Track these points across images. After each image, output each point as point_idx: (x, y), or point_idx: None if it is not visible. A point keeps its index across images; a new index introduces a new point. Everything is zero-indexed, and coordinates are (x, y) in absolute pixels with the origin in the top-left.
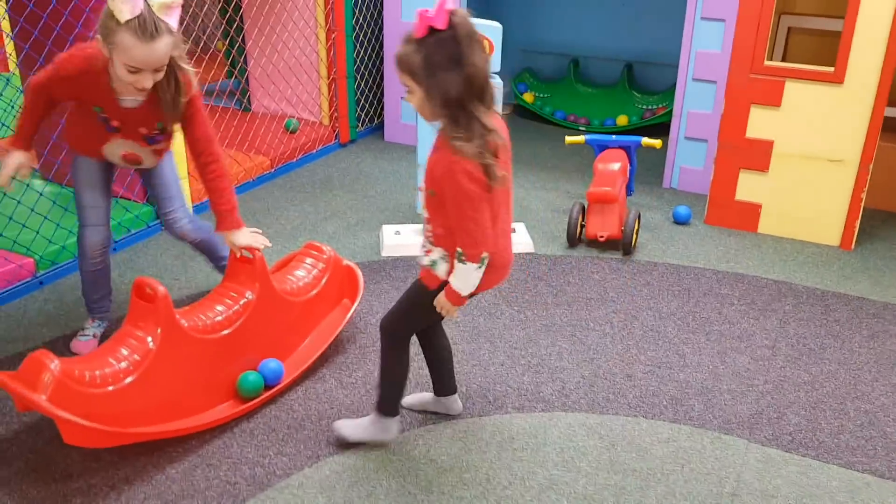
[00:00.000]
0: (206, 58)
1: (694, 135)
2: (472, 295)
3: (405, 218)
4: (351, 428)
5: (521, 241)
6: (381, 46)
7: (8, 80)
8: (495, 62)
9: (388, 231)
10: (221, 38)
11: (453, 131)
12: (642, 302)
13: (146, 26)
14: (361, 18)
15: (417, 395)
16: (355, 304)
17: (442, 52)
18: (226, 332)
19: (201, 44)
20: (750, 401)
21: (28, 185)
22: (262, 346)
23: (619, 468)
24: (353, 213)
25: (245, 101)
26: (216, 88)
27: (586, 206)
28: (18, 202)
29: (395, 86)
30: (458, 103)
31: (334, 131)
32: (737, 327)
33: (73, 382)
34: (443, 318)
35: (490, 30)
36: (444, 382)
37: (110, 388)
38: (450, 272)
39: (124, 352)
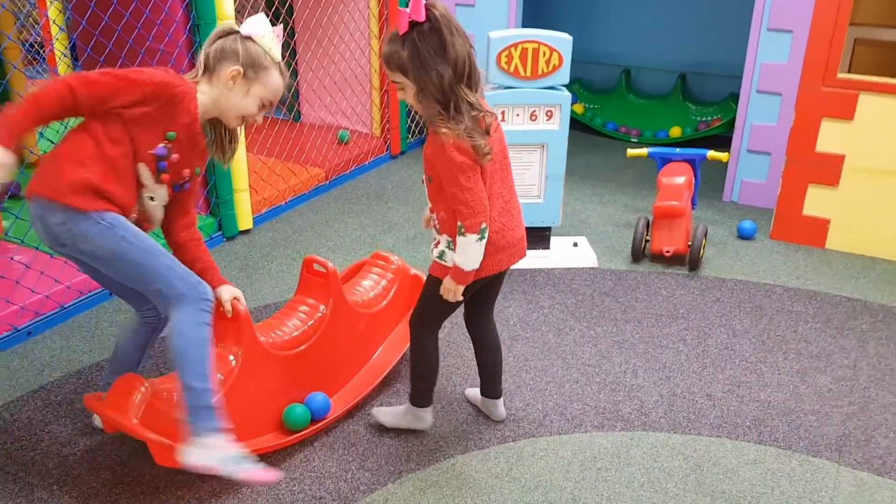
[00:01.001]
0: None
1: (757, 148)
2: (483, 278)
3: None
4: (387, 415)
5: (585, 255)
6: None
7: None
8: (564, 74)
9: None
10: None
11: (444, 117)
12: (714, 319)
13: (285, 68)
14: None
15: (474, 389)
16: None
17: (426, 44)
18: (303, 347)
19: None
20: (836, 422)
21: None
22: (336, 359)
23: (707, 490)
24: (411, 227)
25: (295, 110)
26: None
27: (651, 221)
28: None
29: None
30: (450, 90)
31: (385, 143)
32: (814, 346)
33: (163, 405)
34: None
35: (560, 41)
36: (487, 384)
37: None
38: None
39: None
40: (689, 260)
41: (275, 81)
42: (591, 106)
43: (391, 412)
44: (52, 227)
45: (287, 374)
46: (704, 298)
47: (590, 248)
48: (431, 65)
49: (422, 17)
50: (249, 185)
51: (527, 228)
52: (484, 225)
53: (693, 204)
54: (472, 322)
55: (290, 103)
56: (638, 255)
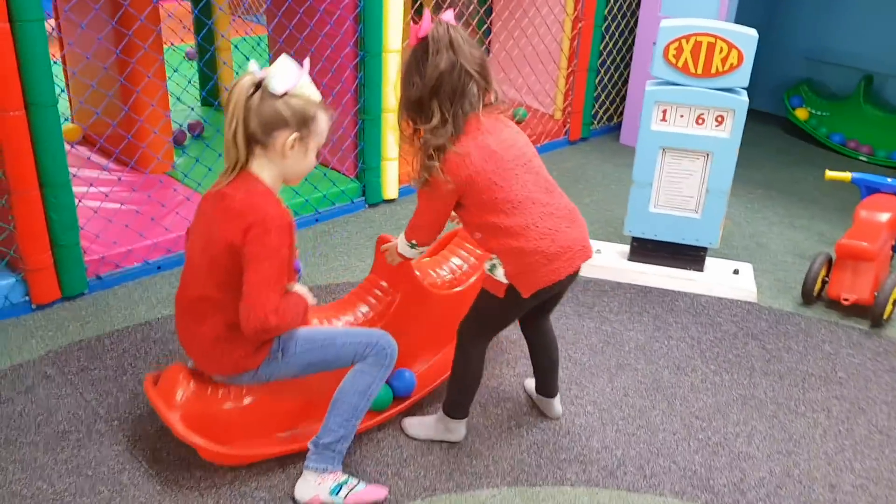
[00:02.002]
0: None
1: None
2: (544, 289)
3: (613, 235)
4: (417, 427)
5: (743, 286)
6: (632, 40)
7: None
8: (743, 75)
9: None
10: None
11: (411, 129)
12: (878, 392)
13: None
14: (616, 9)
15: (530, 380)
16: None
17: (413, 59)
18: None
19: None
20: None
21: None
22: (409, 344)
23: None
24: None
25: None
26: None
27: (834, 259)
28: None
29: (640, 84)
30: (417, 102)
31: (564, 127)
32: None
33: (205, 401)
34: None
35: (741, 37)
36: (542, 383)
37: (246, 401)
38: (508, 274)
39: None
40: (872, 314)
41: (323, 123)
42: (818, 113)
43: (421, 423)
44: (246, 382)
45: None
46: (876, 365)
47: (752, 279)
48: (411, 81)
49: (422, 34)
50: (400, 155)
51: (677, 245)
52: (415, 241)
53: (895, 248)
54: (528, 328)
55: None
56: (809, 296)
